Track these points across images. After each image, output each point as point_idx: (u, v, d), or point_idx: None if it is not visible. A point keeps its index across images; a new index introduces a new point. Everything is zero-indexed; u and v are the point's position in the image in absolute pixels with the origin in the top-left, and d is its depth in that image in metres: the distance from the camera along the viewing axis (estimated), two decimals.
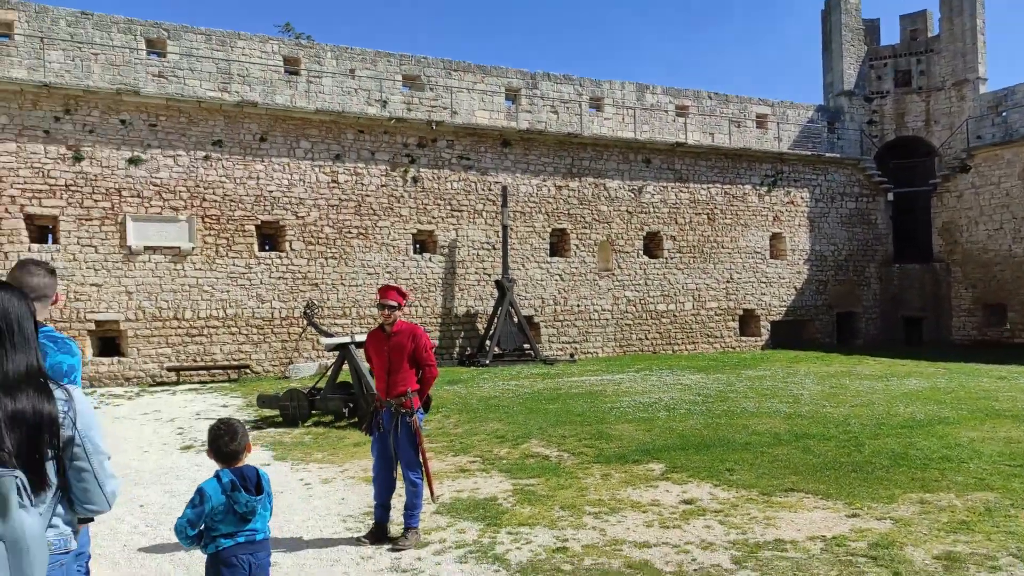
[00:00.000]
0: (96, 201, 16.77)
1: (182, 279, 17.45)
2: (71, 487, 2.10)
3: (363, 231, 19.44)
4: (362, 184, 19.51)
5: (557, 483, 6.76)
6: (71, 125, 16.64)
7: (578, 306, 22.05)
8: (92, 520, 2.69)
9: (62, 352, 2.80)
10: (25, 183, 16.16)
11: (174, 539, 5.18)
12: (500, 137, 21.15)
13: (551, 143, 21.88)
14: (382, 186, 19.74)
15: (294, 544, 5.21)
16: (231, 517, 3.05)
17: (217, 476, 3.13)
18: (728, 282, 24.14)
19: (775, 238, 25.12)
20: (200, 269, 17.63)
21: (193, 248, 17.51)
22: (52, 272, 2.91)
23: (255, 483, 3.13)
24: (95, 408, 11.09)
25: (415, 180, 20.13)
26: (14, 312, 2.08)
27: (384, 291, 5.29)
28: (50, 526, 2.04)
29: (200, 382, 17.04)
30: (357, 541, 5.19)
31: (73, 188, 16.58)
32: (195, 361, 17.42)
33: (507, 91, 21.60)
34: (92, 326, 16.62)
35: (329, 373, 11.11)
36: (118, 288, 16.85)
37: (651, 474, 7.05)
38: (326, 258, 18.98)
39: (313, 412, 10.86)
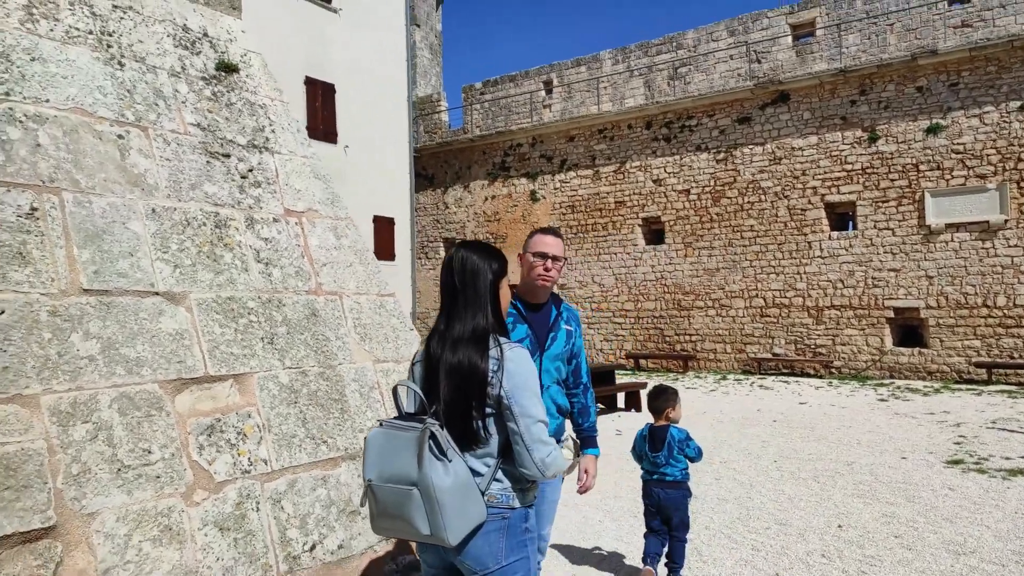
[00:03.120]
0: (892, 180, 15.77)
1: (991, 259, 14.59)
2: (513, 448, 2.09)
3: None
4: None
5: None
6: (865, 106, 16.16)
7: None
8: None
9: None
10: (824, 173, 16.58)
11: None
12: None
13: None
14: None
15: None
16: (646, 460, 3.85)
17: (643, 428, 3.96)
18: None
19: None
20: (1016, 246, 14.37)
21: (1006, 221, 14.42)
22: (556, 233, 2.91)
23: (662, 440, 3.77)
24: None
25: None
26: (471, 270, 2.15)
27: None
28: (495, 480, 2.07)
29: (1018, 384, 13.86)
30: None
31: (869, 171, 16.04)
32: (1011, 358, 14.30)
33: None
34: (891, 313, 15.68)
35: None
36: (917, 272, 15.39)
37: None
38: None
39: None
